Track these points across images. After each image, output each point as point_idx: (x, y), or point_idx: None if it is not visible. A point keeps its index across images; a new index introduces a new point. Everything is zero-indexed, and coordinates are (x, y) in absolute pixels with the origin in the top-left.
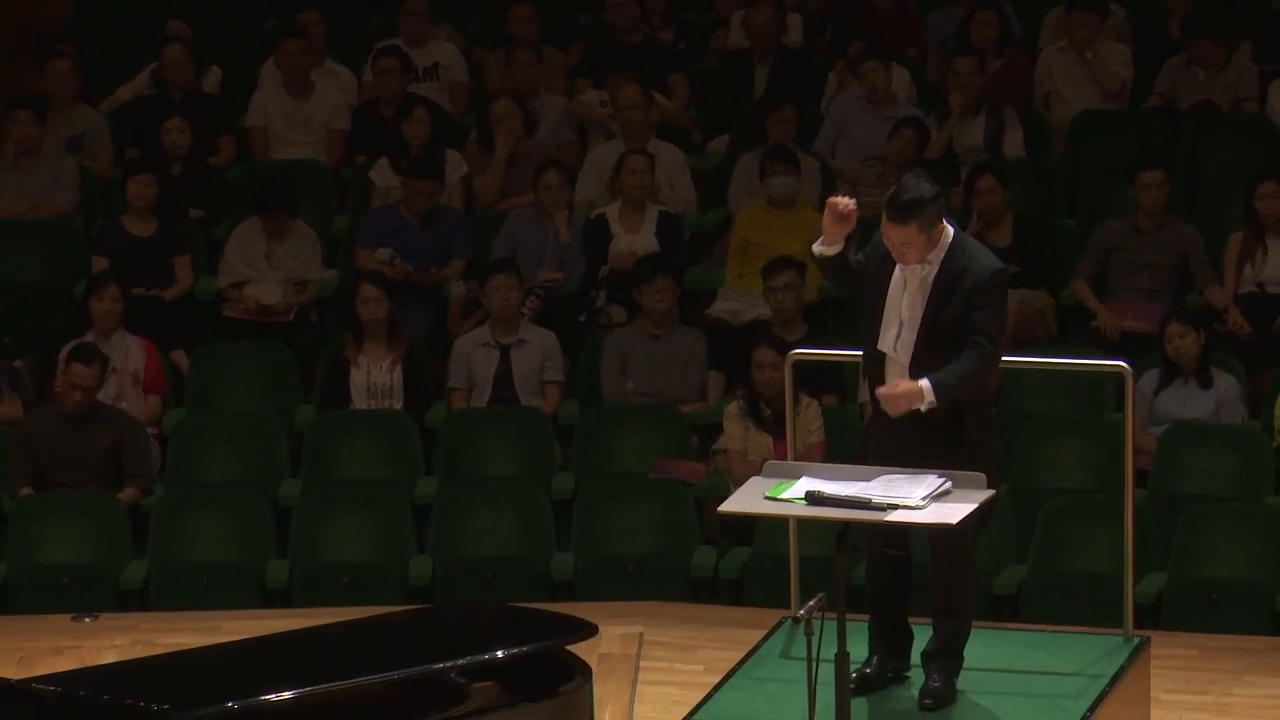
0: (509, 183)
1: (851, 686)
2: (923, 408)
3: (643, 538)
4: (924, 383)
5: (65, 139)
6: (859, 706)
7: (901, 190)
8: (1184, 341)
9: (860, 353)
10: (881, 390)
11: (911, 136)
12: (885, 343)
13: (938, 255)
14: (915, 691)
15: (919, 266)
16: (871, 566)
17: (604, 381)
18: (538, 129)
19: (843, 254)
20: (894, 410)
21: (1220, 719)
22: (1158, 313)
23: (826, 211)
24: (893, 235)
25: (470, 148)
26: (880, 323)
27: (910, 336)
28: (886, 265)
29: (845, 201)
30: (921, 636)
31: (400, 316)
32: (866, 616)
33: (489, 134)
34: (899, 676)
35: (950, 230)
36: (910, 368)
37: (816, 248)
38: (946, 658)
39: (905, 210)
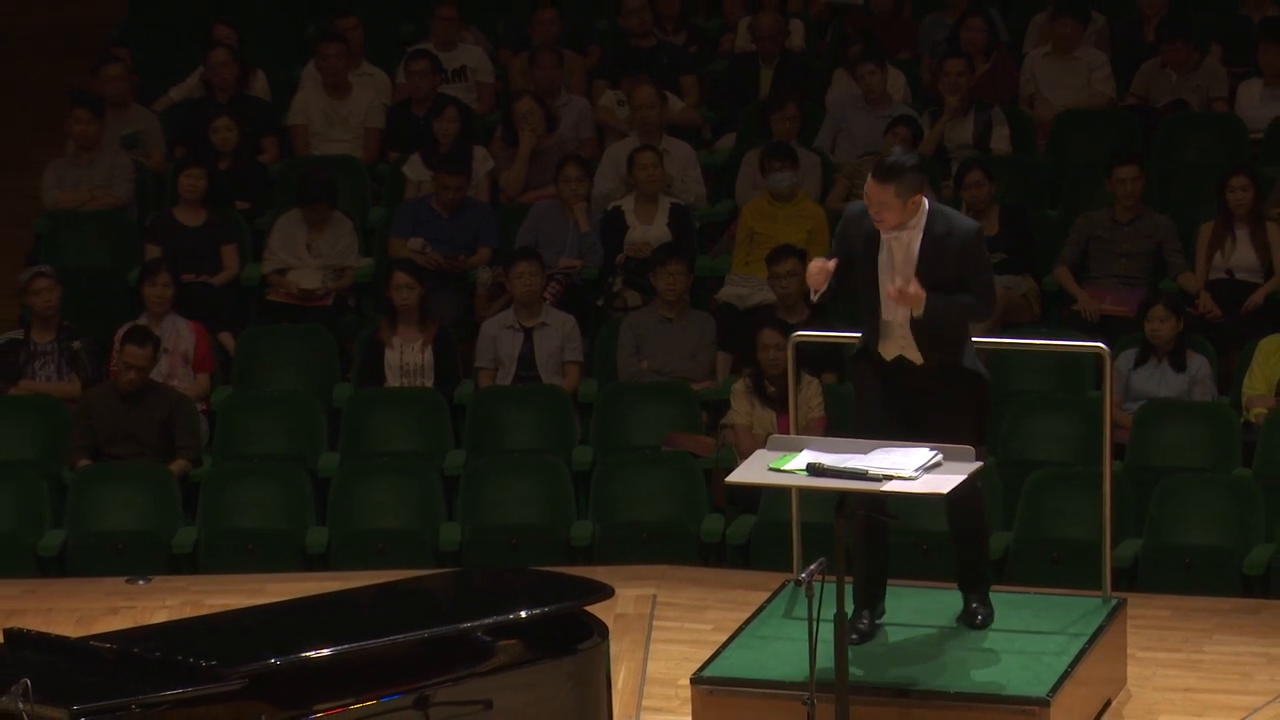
0: (532, 176)
1: (854, 637)
2: (916, 313)
3: (656, 506)
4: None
5: (121, 136)
6: (856, 660)
7: (888, 154)
8: (1163, 325)
9: (859, 335)
10: (896, 288)
11: (906, 133)
12: (888, 311)
13: (919, 223)
14: (904, 646)
15: (902, 234)
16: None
17: (620, 361)
18: (558, 126)
19: (833, 279)
20: (902, 302)
21: (1191, 674)
22: (1134, 297)
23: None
24: (873, 194)
25: (496, 144)
26: (878, 295)
27: None
28: (871, 243)
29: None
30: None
31: (431, 301)
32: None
33: (513, 131)
34: (882, 627)
35: (926, 201)
36: (911, 328)
37: (813, 297)
38: (978, 575)
39: (888, 172)
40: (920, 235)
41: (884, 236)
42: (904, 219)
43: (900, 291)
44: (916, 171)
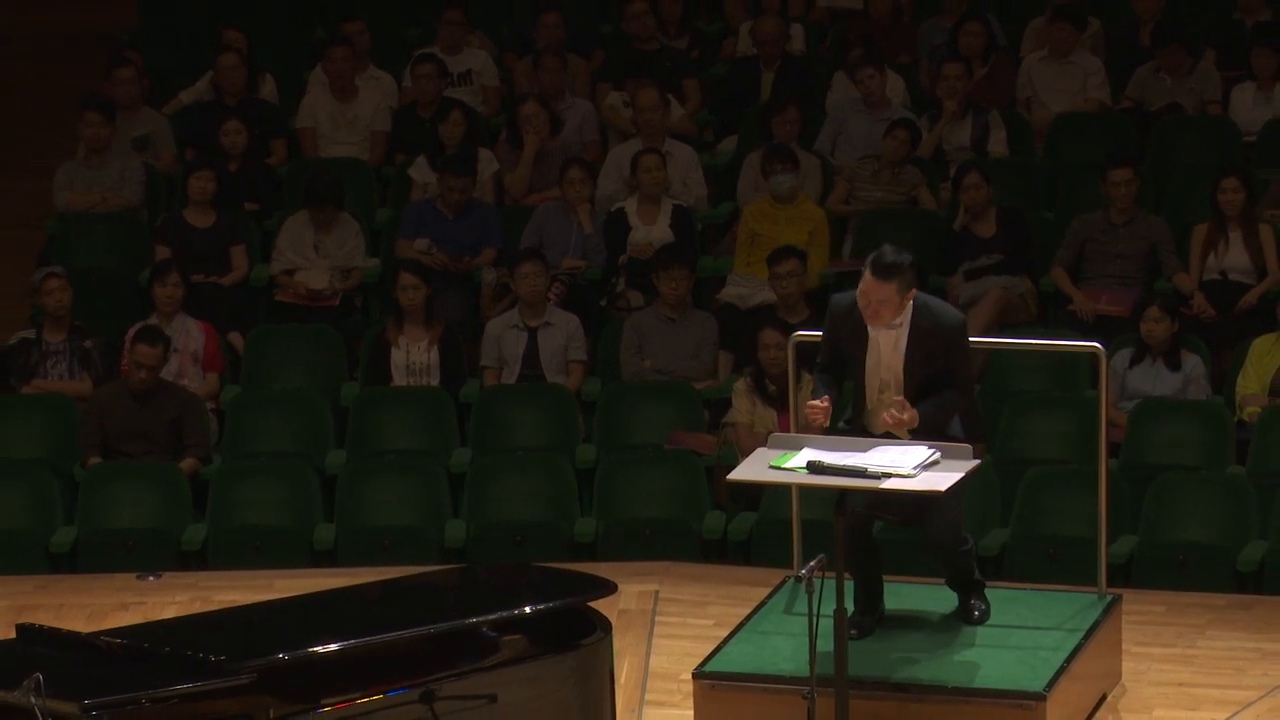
0: (536, 178)
1: (853, 633)
2: (911, 427)
3: (658, 503)
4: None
5: (131, 138)
6: (855, 655)
7: (884, 254)
8: (1159, 325)
9: None
10: (891, 415)
11: (904, 136)
12: (873, 399)
13: (906, 318)
14: (902, 642)
15: (890, 331)
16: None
17: (623, 360)
18: (563, 129)
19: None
20: (897, 429)
21: (1185, 669)
22: (1129, 298)
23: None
24: (873, 292)
25: (501, 146)
26: (864, 381)
27: (896, 392)
28: (858, 338)
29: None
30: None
31: (437, 301)
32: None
33: (518, 134)
34: (882, 622)
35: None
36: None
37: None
38: (971, 581)
39: (889, 270)
40: (907, 332)
41: (872, 333)
42: (899, 314)
43: (896, 420)
44: (912, 268)
